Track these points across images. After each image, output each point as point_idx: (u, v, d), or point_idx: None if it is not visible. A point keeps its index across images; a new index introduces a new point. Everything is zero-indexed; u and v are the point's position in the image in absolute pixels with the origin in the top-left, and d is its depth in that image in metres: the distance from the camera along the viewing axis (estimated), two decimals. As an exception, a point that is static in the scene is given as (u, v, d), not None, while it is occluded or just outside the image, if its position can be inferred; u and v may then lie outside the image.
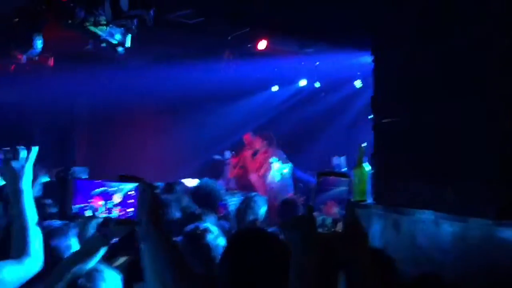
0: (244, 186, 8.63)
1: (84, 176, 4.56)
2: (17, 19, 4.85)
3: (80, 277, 1.99)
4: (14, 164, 1.96)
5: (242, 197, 4.69)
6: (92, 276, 2.02)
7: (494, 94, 2.42)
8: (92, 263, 2.54)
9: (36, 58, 5.71)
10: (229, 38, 6.10)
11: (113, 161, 9.33)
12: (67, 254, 2.59)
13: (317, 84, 9.60)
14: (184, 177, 7.99)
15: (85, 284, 1.98)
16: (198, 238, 2.79)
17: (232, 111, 10.21)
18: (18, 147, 2.01)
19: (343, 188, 1.58)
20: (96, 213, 1.71)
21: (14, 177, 1.94)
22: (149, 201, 1.62)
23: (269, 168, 8.45)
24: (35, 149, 2.03)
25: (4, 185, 2.55)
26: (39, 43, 5.14)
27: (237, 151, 9.58)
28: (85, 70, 7.31)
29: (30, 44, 5.06)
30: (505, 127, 2.38)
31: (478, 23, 2.45)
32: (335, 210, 1.56)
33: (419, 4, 2.67)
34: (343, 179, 1.59)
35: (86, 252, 2.48)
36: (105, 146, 10.03)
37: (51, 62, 6.19)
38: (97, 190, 1.70)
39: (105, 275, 2.06)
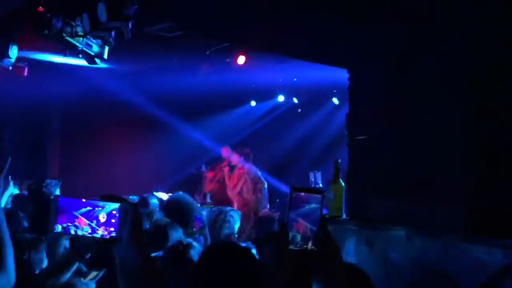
0: (220, 200, 8.60)
1: (57, 189, 4.47)
2: (-8, 28, 4.79)
3: None
4: None
5: (217, 211, 4.67)
6: None
7: (468, 108, 2.48)
8: (66, 277, 2.50)
9: (10, 68, 5.63)
10: (208, 52, 6.11)
11: (86, 174, 9.19)
12: (39, 267, 2.54)
13: (295, 100, 9.70)
14: (160, 191, 7.94)
15: None
16: (181, 253, 2.78)
17: (210, 125, 10.21)
18: None
19: (315, 206, 1.60)
20: (80, 233, 1.69)
21: None
22: (132, 220, 1.62)
23: (244, 184, 8.47)
24: (8, 161, 1.97)
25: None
26: (13, 53, 5.08)
27: (213, 165, 9.55)
28: (59, 81, 7.23)
29: (4, 54, 5.00)
30: (479, 143, 2.44)
31: (448, 37, 2.52)
32: (306, 227, 1.58)
33: (390, 23, 2.74)
34: (316, 195, 1.60)
35: (60, 267, 2.44)
36: (79, 159, 9.88)
37: (25, 72, 6.11)
38: (82, 209, 1.69)
39: None
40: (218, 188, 9.35)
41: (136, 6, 3.86)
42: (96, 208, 1.64)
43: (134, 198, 5.86)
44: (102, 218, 1.63)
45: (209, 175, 9.66)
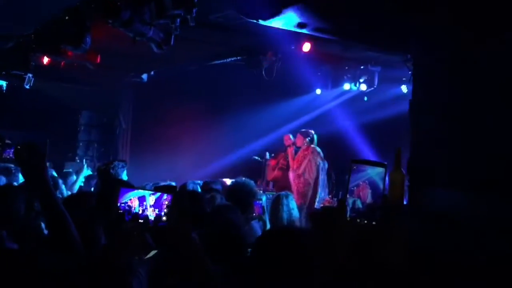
0: (283, 188, 8.62)
1: (124, 170, 4.68)
2: (67, 18, 5.06)
3: None
4: (32, 161, 1.96)
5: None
6: None
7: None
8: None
9: (85, 55, 5.94)
10: (271, 39, 6.10)
11: (154, 159, 9.54)
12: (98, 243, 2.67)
13: (363, 87, 9.47)
14: (225, 177, 8.10)
15: None
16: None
17: (273, 112, 10.24)
18: (31, 142, 2.01)
19: (379, 169, 1.54)
20: (132, 212, 1.81)
21: (35, 173, 1.96)
22: (180, 209, 1.70)
23: (308, 167, 8.42)
24: (47, 143, 2.06)
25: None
26: (88, 40, 5.35)
27: (276, 153, 9.59)
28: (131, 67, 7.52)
29: (79, 41, 5.27)
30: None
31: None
32: (367, 192, 1.56)
33: (455, 10, 2.62)
34: (378, 168, 1.55)
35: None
36: (147, 144, 10.28)
37: (98, 59, 6.42)
38: (133, 192, 1.81)
39: None
40: (280, 175, 9.38)
41: (200, -7, 3.94)
42: (145, 192, 1.75)
43: (199, 183, 6.01)
44: (152, 201, 1.74)
45: (272, 162, 9.71)
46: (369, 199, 1.39)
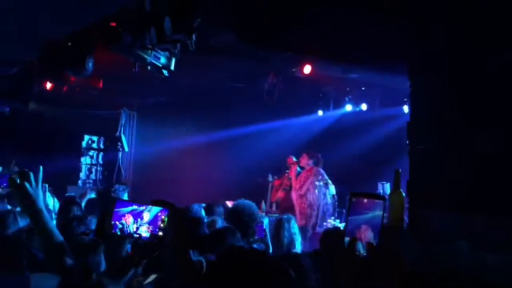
0: (286, 208, 8.59)
1: (125, 193, 4.69)
2: (70, 43, 5.14)
3: None
4: (28, 187, 1.97)
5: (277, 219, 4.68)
6: None
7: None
8: (125, 280, 2.60)
9: (88, 80, 6.00)
10: (271, 62, 6.16)
11: (156, 181, 9.54)
12: (97, 270, 2.66)
13: (364, 107, 9.48)
14: (227, 199, 8.07)
15: None
16: (233, 257, 2.80)
17: (276, 134, 10.26)
18: (24, 170, 2.02)
19: (378, 213, 1.50)
20: (126, 230, 1.79)
21: (30, 200, 1.96)
22: (178, 225, 1.69)
23: (311, 188, 8.40)
24: (40, 170, 2.07)
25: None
26: (90, 65, 5.42)
27: (280, 175, 9.57)
28: (133, 90, 7.57)
29: (82, 66, 5.34)
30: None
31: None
32: (369, 235, 1.50)
33: (451, 31, 2.64)
34: (377, 201, 1.50)
35: (118, 270, 2.55)
36: (150, 166, 10.29)
37: (100, 83, 6.48)
38: (128, 208, 1.78)
39: None
40: (284, 196, 9.35)
41: (199, 19, 3.99)
42: (141, 207, 1.73)
43: (201, 205, 5.99)
44: (147, 217, 1.72)
45: (276, 183, 9.69)
46: (371, 240, 1.38)
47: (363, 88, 9.00)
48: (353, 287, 1.41)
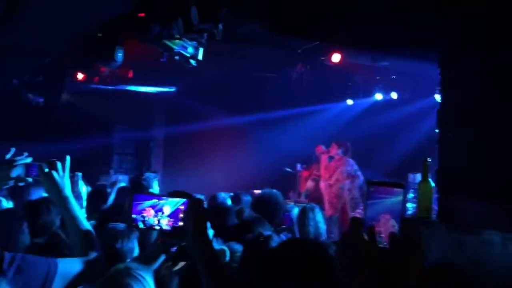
0: (316, 199, 8.57)
1: (155, 181, 4.75)
2: (100, 35, 5.22)
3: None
4: (55, 175, 2.05)
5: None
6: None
7: None
8: (155, 266, 2.65)
9: (118, 70, 6.09)
10: (299, 51, 6.12)
11: (186, 170, 9.65)
12: (130, 257, 2.71)
13: (394, 96, 9.31)
14: (255, 188, 8.10)
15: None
16: (261, 245, 2.81)
17: (305, 124, 10.21)
18: (52, 160, 2.10)
19: (398, 198, 1.43)
20: (147, 223, 1.81)
21: (57, 187, 2.05)
22: (196, 215, 1.70)
23: (340, 178, 8.35)
24: (67, 159, 2.14)
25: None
26: (120, 56, 5.50)
27: (309, 165, 9.54)
28: (162, 81, 7.64)
29: (112, 57, 5.43)
30: None
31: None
32: (391, 224, 1.43)
33: (485, 15, 2.55)
34: (396, 189, 1.44)
35: (148, 257, 2.61)
36: (179, 157, 10.40)
37: (130, 74, 6.57)
38: (148, 202, 1.80)
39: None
40: (313, 186, 9.33)
41: (227, 8, 3.99)
42: (161, 201, 1.74)
43: (228, 195, 6.02)
44: (167, 210, 1.73)
45: (304, 174, 9.67)
46: (392, 230, 1.32)
47: (393, 77, 8.85)
48: (372, 278, 1.38)
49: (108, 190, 6.31)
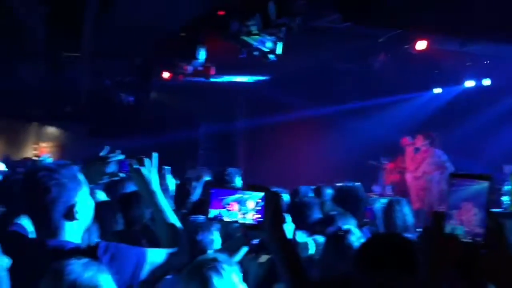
0: (402, 192, 8.32)
1: (237, 177, 4.85)
2: (183, 34, 5.42)
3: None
4: (144, 171, 2.17)
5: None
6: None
7: None
8: (237, 258, 2.73)
9: (201, 68, 6.29)
10: (381, 40, 5.94)
11: (269, 165, 9.75)
12: (210, 248, 2.81)
13: (487, 82, 8.71)
14: (337, 181, 8.00)
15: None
16: (340, 239, 2.81)
17: (389, 114, 9.90)
18: (140, 156, 2.22)
19: (482, 185, 1.33)
20: (232, 218, 1.85)
21: (146, 182, 2.16)
22: (273, 208, 1.72)
23: (427, 170, 8.03)
24: (155, 156, 2.26)
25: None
26: (202, 54, 5.68)
27: (394, 157, 9.26)
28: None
29: (194, 56, 5.62)
30: None
31: None
32: (472, 215, 1.34)
33: None
34: (482, 182, 1.30)
35: (230, 249, 2.69)
36: (263, 149, 10.53)
37: (212, 71, 6.74)
38: (232, 196, 1.85)
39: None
40: (399, 179, 9.07)
41: (304, 1, 3.98)
42: (244, 196, 1.78)
43: (309, 188, 6.00)
44: (251, 204, 1.76)
45: (390, 166, 9.42)
46: (476, 223, 1.23)
47: (486, 62, 8.30)
48: (451, 277, 1.32)
49: (194, 184, 6.54)
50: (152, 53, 6.44)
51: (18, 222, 2.37)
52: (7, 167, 6.80)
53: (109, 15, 5.42)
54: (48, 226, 1.93)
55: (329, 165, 10.04)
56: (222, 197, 1.86)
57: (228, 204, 1.85)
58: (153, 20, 5.72)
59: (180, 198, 4.82)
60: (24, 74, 8.65)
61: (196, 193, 6.22)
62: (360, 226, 4.12)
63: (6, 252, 1.63)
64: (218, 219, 1.85)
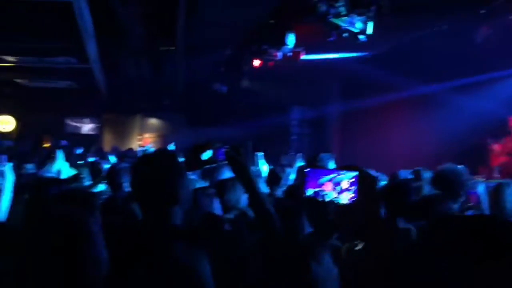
0: (510, 175, 7.74)
1: (330, 162, 4.80)
2: (272, 21, 5.44)
3: None
4: (239, 158, 2.22)
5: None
6: None
7: None
8: (328, 243, 2.72)
9: (290, 53, 6.27)
10: (482, 11, 5.50)
11: (364, 148, 9.52)
12: (301, 233, 2.81)
13: None
14: (437, 164, 7.59)
15: None
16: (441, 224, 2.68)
17: (496, 91, 9.17)
18: (235, 144, 2.29)
19: None
20: (327, 197, 1.86)
21: (240, 169, 2.23)
22: (366, 188, 1.69)
23: None
24: (249, 144, 2.32)
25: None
26: (291, 40, 5.66)
27: (502, 137, 8.64)
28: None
29: (283, 42, 5.62)
30: None
31: None
32: None
33: None
34: None
35: (323, 234, 2.68)
36: (357, 133, 10.30)
37: (302, 55, 6.69)
38: (326, 177, 1.85)
39: None
40: (508, 161, 8.47)
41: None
42: (338, 176, 1.77)
43: (407, 172, 5.79)
44: (345, 184, 1.75)
45: (497, 147, 8.81)
46: None
47: None
48: None
49: (288, 170, 6.59)
50: (242, 42, 6.53)
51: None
52: (116, 157, 7.32)
53: (199, 10, 5.58)
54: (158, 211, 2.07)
55: (431, 147, 9.55)
56: (317, 177, 1.87)
57: (323, 184, 1.85)
58: (241, 10, 5.79)
59: (273, 183, 4.89)
60: (127, 70, 9.23)
61: (290, 178, 6.27)
62: (462, 210, 3.89)
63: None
64: (314, 199, 1.86)
